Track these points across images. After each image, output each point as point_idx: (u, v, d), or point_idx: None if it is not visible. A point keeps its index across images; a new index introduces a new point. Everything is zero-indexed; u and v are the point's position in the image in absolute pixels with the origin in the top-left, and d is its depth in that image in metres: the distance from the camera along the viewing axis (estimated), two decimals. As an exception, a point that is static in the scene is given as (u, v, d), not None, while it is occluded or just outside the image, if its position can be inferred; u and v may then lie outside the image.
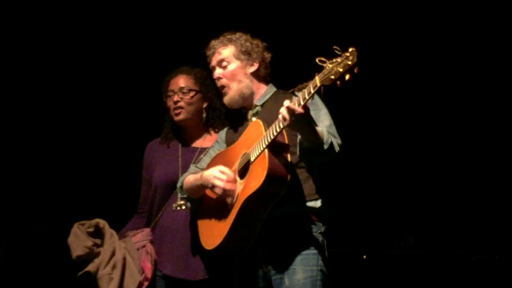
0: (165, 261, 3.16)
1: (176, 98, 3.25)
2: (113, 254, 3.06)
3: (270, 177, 2.59)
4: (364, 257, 4.53)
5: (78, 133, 4.70)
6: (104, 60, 4.58)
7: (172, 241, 3.17)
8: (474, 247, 4.38)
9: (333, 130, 2.73)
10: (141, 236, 3.21)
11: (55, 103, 4.65)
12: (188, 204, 3.07)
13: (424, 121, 4.68)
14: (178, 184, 3.05)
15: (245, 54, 2.93)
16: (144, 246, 3.17)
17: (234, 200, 2.75)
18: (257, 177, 2.63)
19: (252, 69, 2.94)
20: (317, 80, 2.44)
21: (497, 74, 4.52)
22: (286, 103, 2.51)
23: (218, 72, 2.96)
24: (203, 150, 3.24)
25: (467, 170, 4.64)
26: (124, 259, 3.05)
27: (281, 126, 2.56)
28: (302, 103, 2.48)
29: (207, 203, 2.96)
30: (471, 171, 4.63)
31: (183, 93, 3.25)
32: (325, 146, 2.61)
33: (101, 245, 3.13)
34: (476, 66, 4.52)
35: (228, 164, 2.83)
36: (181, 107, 3.24)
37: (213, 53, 2.98)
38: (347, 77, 2.39)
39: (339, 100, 2.85)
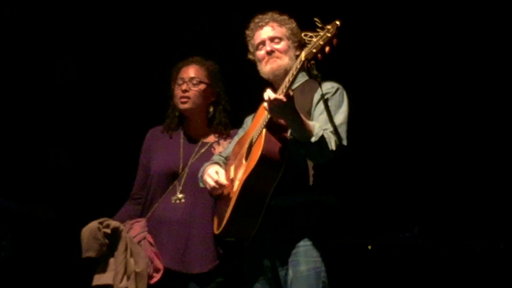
0: (162, 253, 3.12)
1: (185, 87, 3.21)
2: (126, 266, 3.05)
3: (265, 157, 2.59)
4: (369, 247, 4.54)
5: (80, 128, 4.71)
6: (104, 59, 4.58)
7: (169, 232, 3.13)
8: (479, 237, 4.38)
9: (342, 129, 2.69)
10: (140, 228, 3.16)
11: (55, 100, 4.66)
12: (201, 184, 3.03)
13: (427, 111, 4.67)
14: (199, 174, 3.03)
15: (294, 37, 2.91)
16: (144, 238, 3.14)
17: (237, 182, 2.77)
18: (254, 158, 2.63)
19: (298, 52, 2.89)
20: (302, 55, 2.46)
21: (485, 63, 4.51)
22: (267, 92, 2.51)
23: (271, 45, 2.90)
24: (205, 144, 3.25)
25: (472, 161, 4.64)
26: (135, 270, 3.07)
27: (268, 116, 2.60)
28: (285, 89, 2.49)
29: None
30: (476, 162, 4.63)
31: (193, 84, 3.22)
32: (313, 139, 2.57)
33: (113, 249, 3.09)
34: (469, 57, 4.51)
35: (241, 149, 2.86)
36: (188, 97, 3.21)
37: (262, 26, 2.93)
38: (326, 49, 2.41)
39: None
